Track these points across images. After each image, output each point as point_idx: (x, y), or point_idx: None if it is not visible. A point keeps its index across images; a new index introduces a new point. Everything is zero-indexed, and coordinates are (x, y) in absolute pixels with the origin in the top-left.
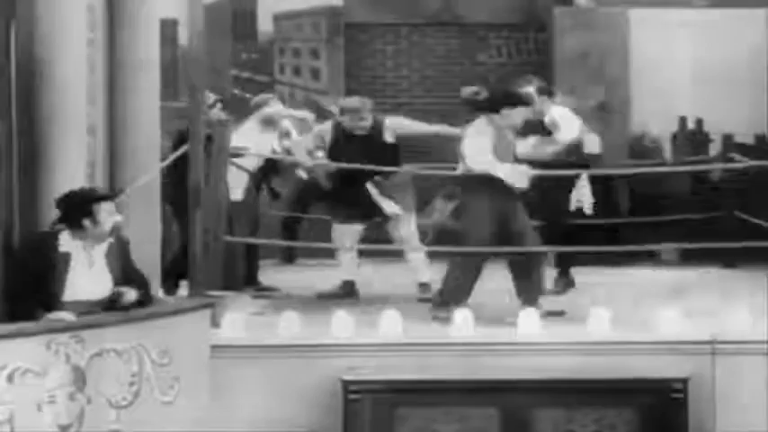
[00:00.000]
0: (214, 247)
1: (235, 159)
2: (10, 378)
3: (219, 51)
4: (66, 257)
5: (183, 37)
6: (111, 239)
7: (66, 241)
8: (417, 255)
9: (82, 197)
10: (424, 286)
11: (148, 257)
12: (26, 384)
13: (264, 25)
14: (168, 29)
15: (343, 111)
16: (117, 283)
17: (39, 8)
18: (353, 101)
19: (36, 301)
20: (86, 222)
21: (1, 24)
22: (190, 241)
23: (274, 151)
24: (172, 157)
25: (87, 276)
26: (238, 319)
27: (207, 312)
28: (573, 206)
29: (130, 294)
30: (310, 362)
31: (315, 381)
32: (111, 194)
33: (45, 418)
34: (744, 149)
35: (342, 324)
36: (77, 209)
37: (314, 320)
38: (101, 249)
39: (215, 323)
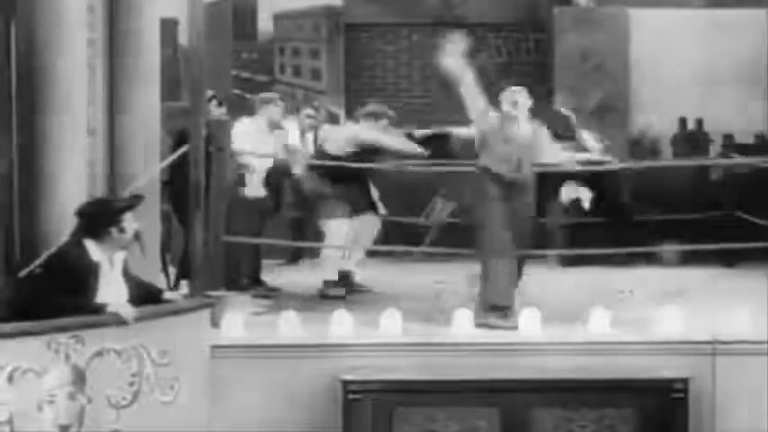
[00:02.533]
0: (214, 247)
1: (242, 161)
2: (10, 378)
3: (220, 51)
4: (97, 267)
5: (183, 37)
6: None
7: (93, 250)
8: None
9: (110, 207)
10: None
11: (149, 257)
12: (26, 384)
13: (265, 25)
14: (168, 29)
15: (365, 116)
16: (131, 288)
17: (39, 8)
18: (374, 106)
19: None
20: (114, 231)
21: (1, 25)
22: (189, 241)
23: (286, 148)
24: (171, 157)
25: (111, 284)
26: (238, 319)
27: (206, 312)
28: (566, 201)
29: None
30: (310, 362)
31: (314, 381)
32: (137, 201)
33: (45, 417)
34: (744, 149)
35: (341, 324)
36: (106, 218)
37: (314, 320)
38: (120, 257)
39: (215, 323)
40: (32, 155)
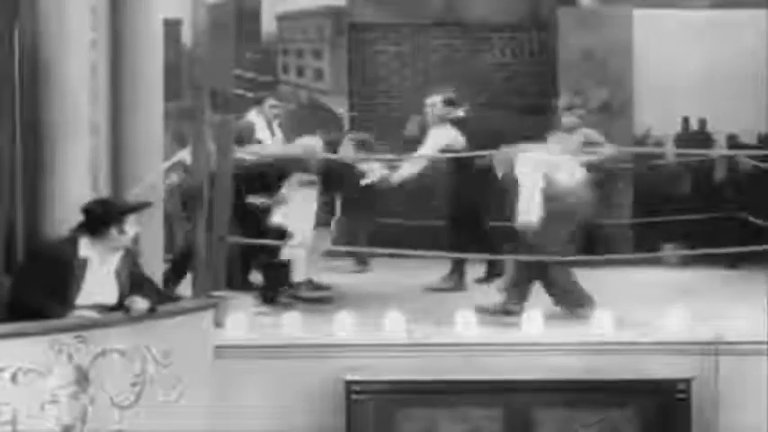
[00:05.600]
0: (218, 247)
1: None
2: (13, 378)
3: (223, 51)
4: (85, 263)
5: (186, 37)
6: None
7: (85, 247)
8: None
9: (116, 206)
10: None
11: (151, 258)
12: (29, 384)
13: (268, 25)
14: (172, 29)
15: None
16: (123, 290)
17: (42, 9)
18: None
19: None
20: (113, 231)
21: (5, 25)
22: (193, 242)
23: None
24: (173, 159)
25: (99, 283)
26: (241, 319)
27: (210, 312)
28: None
29: (141, 303)
30: (313, 362)
31: (318, 381)
32: (142, 206)
33: (48, 417)
34: (747, 149)
35: (344, 324)
36: (108, 217)
37: (316, 321)
38: (115, 258)
39: (218, 323)
40: (35, 155)
